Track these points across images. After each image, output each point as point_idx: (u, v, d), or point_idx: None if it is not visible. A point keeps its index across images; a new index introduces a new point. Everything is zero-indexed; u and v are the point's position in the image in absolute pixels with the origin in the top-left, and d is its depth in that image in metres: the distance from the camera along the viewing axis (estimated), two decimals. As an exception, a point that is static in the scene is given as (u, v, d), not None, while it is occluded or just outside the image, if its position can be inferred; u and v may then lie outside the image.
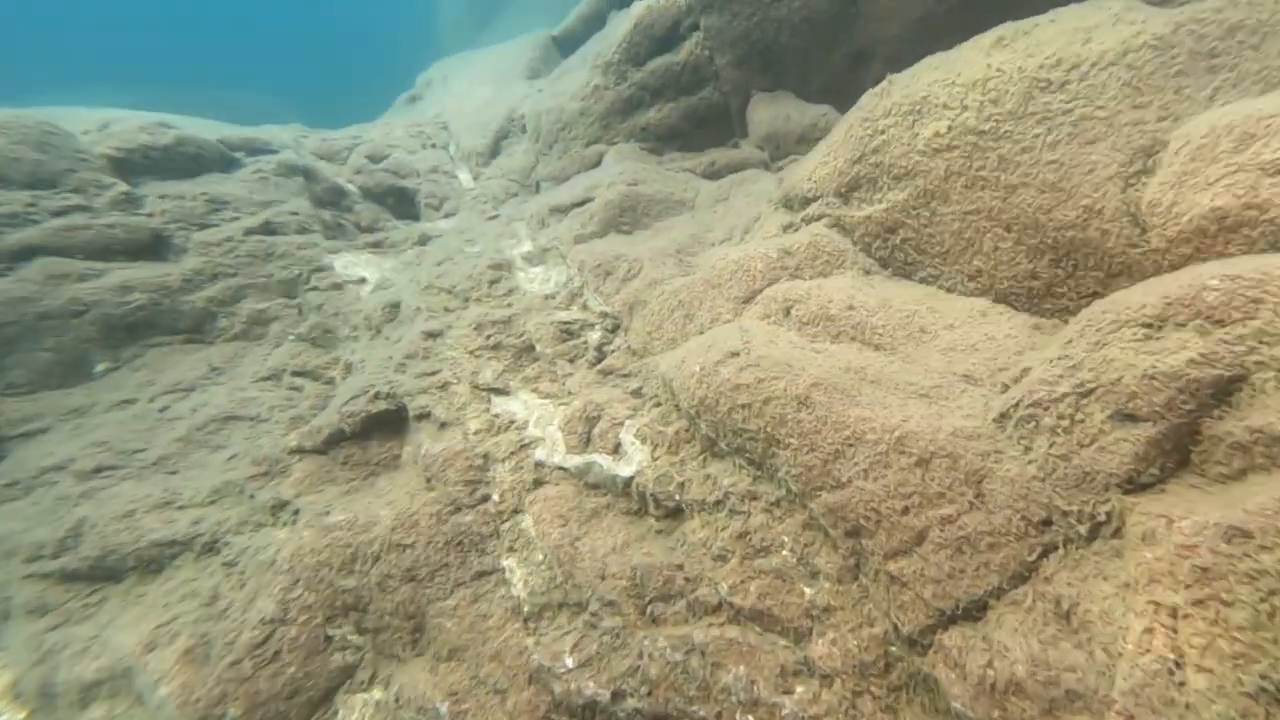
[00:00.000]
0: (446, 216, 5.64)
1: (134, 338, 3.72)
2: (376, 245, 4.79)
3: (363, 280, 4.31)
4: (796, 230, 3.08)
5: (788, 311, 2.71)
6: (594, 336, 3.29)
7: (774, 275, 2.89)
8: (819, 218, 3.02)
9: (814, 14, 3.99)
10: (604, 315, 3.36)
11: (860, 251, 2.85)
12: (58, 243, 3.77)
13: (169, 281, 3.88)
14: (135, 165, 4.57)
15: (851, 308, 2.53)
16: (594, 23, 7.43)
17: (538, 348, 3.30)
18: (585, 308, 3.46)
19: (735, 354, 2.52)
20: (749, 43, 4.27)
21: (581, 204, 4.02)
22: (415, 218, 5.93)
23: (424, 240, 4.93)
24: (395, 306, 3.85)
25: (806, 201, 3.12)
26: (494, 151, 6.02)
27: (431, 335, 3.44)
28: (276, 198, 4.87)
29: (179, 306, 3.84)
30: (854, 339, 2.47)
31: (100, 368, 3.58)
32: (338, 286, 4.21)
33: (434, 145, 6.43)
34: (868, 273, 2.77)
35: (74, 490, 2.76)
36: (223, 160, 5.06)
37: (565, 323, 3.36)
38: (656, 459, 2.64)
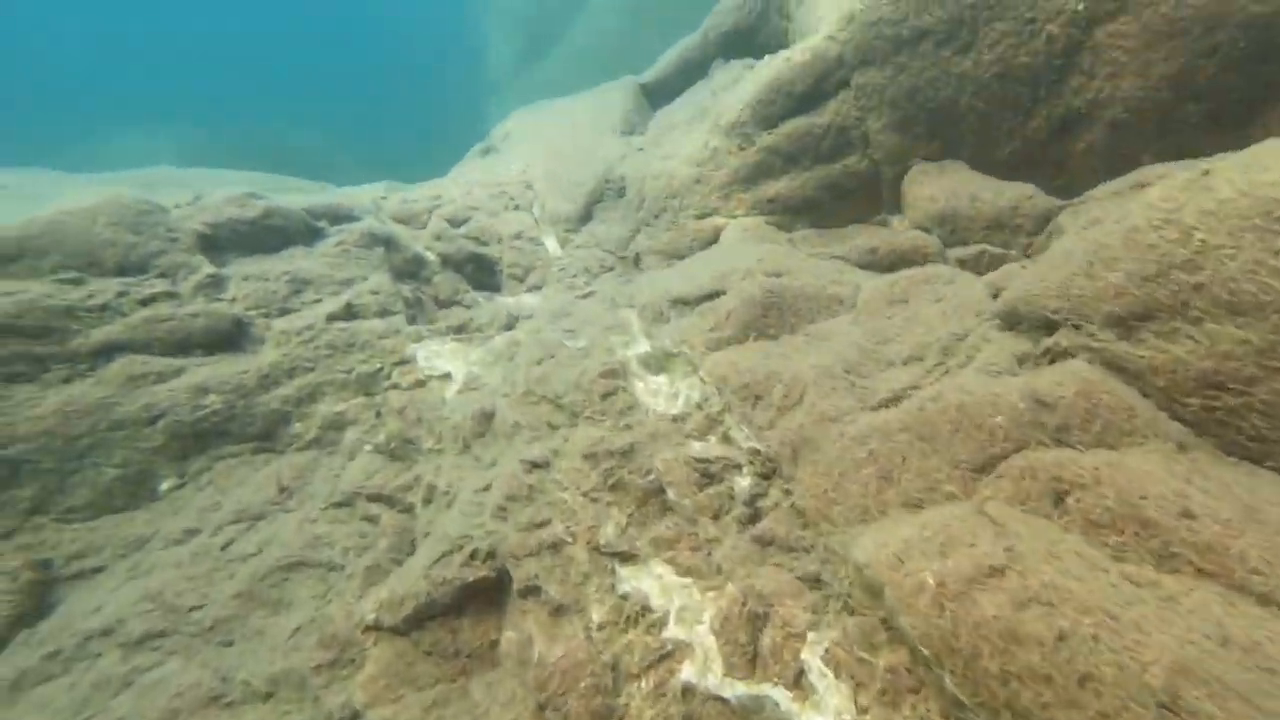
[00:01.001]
0: (531, 290, 5.24)
1: (203, 448, 3.40)
2: (459, 330, 4.40)
3: (447, 376, 3.88)
4: (1042, 366, 2.32)
5: (1059, 500, 1.94)
6: (743, 484, 2.62)
7: (1023, 436, 2.13)
8: (1077, 351, 2.25)
9: (1011, 68, 3.31)
10: (755, 454, 2.69)
11: (1160, 411, 2.04)
12: (141, 337, 3.58)
13: (245, 380, 3.59)
14: (222, 241, 4.45)
15: (1188, 514, 1.73)
16: (693, 71, 7.10)
17: (670, 493, 2.66)
18: (728, 440, 2.81)
19: (997, 571, 1.78)
20: (915, 103, 3.64)
21: (710, 297, 3.44)
22: (495, 288, 5.58)
23: (511, 323, 4.51)
24: (488, 417, 3.35)
25: (1051, 325, 2.36)
26: (585, 217, 5.64)
27: (535, 466, 2.89)
28: (358, 274, 4.61)
29: (253, 409, 3.52)
30: (1202, 571, 1.66)
31: (165, 486, 3.27)
32: (421, 383, 3.80)
33: (517, 207, 6.16)
34: (1182, 447, 1.96)
35: (117, 669, 2.33)
36: (307, 232, 4.91)
37: (703, 460, 2.71)
38: (864, 711, 1.89)
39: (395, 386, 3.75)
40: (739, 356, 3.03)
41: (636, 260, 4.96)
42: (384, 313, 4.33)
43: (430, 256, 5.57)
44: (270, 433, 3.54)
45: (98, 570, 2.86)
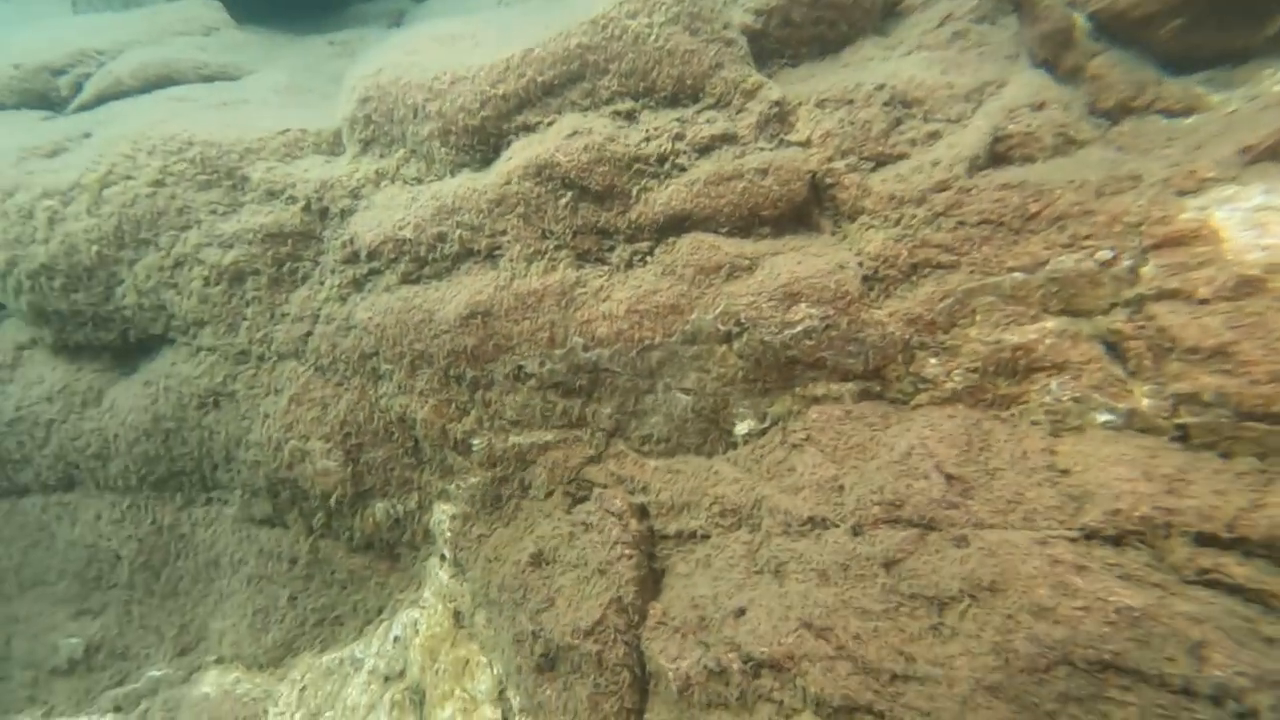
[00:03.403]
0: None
1: (787, 383, 2.58)
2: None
3: None
4: None
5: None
6: None
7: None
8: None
9: None
10: None
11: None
12: (705, 207, 2.83)
13: (844, 284, 2.49)
14: (769, 42, 3.28)
15: None
16: None
17: None
18: None
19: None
20: None
21: None
22: (1238, 58, 2.97)
23: None
24: None
25: None
26: None
27: None
28: (988, 76, 2.83)
29: (859, 333, 2.44)
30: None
31: (742, 429, 2.62)
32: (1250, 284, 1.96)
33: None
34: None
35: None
36: (884, 3, 3.27)
37: None
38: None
39: (1161, 295, 1.99)
40: None
41: None
42: (1065, 143, 2.51)
43: (1078, 17, 3.27)
44: (881, 371, 2.46)
45: (702, 538, 2.44)
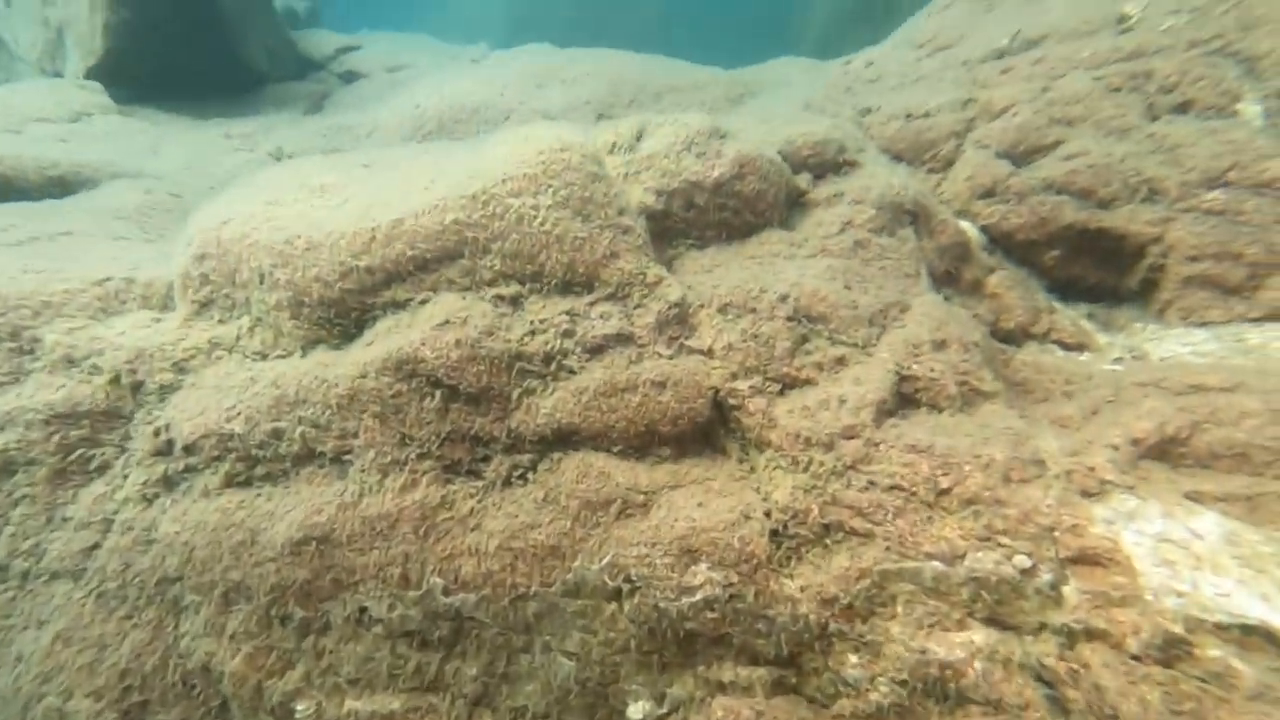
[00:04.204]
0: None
1: (688, 660, 2.14)
2: (1166, 448, 2.09)
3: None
4: None
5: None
6: None
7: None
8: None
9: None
10: None
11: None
12: (595, 422, 2.45)
13: (749, 545, 2.13)
14: (673, 223, 3.06)
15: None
16: None
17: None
18: None
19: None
20: None
21: None
22: (1118, 298, 3.03)
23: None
24: None
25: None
26: None
27: None
28: (889, 298, 2.70)
29: (767, 610, 2.06)
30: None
31: (635, 711, 2.14)
32: (1182, 646, 1.72)
33: (1182, 109, 3.21)
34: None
35: None
36: (787, 197, 3.17)
37: None
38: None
39: (1090, 635, 1.76)
40: None
41: None
42: (970, 396, 2.34)
43: (973, 232, 3.31)
44: (796, 659, 2.07)
45: None
